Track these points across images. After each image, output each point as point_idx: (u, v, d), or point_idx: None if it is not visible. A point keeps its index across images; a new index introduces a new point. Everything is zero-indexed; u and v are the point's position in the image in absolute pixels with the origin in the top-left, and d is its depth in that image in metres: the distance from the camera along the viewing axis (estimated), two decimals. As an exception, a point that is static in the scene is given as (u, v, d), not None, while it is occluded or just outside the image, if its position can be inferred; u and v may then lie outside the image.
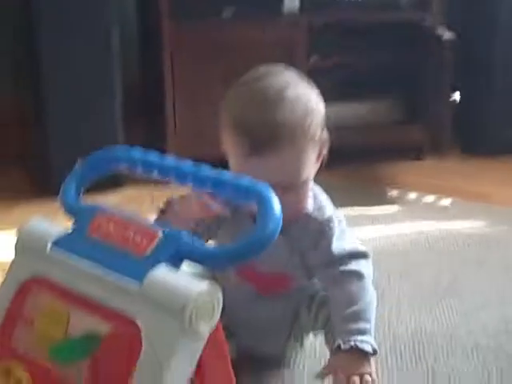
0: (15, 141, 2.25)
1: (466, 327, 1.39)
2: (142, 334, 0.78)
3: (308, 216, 1.08)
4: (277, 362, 1.24)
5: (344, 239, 1.09)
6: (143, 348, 0.77)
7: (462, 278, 1.60)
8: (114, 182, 2.07)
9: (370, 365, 1.00)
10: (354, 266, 1.07)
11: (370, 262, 1.10)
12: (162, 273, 0.79)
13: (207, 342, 0.79)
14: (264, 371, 1.22)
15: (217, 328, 0.80)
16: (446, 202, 2.10)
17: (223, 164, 1.01)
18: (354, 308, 1.04)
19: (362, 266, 1.08)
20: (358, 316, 1.04)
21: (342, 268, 1.07)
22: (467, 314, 1.44)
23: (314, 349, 1.27)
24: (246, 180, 0.84)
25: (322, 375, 1.05)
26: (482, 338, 1.36)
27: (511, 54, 2.36)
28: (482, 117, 2.45)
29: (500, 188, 2.20)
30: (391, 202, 2.10)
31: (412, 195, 2.15)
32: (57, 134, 2.03)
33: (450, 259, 1.70)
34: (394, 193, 2.17)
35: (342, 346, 1.01)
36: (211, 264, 0.82)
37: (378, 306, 1.30)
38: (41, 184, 2.07)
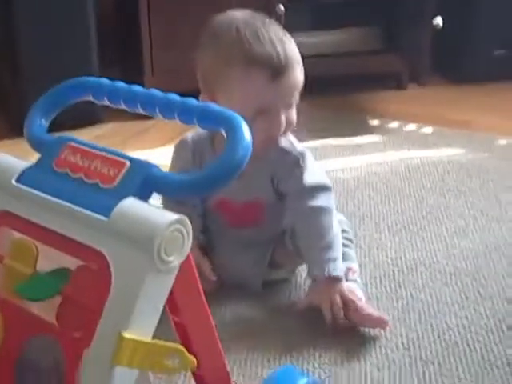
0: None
1: (445, 253, 1.40)
2: (111, 268, 0.76)
3: (282, 148, 1.21)
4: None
5: (314, 173, 1.21)
6: (112, 282, 0.75)
7: (442, 204, 1.59)
8: (91, 118, 2.04)
9: (342, 287, 1.15)
10: (322, 200, 1.19)
11: (332, 195, 1.22)
12: (129, 205, 0.77)
13: (178, 274, 0.78)
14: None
15: (187, 259, 0.78)
16: (427, 130, 2.08)
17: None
18: (326, 240, 1.17)
19: (329, 200, 1.20)
20: (329, 247, 1.17)
21: (312, 203, 1.18)
22: (446, 240, 1.44)
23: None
24: (214, 106, 0.82)
25: (301, 305, 1.20)
26: (461, 262, 1.36)
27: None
28: (464, 43, 2.41)
29: (481, 115, 2.18)
30: (372, 131, 2.08)
31: (393, 124, 2.13)
32: (30, 70, 1.98)
33: (431, 187, 1.69)
34: (375, 122, 2.15)
35: (319, 276, 1.15)
36: (181, 194, 0.80)
37: (357, 233, 1.32)
38: (17, 122, 2.01)
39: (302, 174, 1.19)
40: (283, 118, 1.15)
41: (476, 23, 2.37)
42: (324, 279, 1.15)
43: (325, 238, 1.17)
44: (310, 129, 1.97)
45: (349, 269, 1.22)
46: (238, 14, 1.18)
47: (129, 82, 0.90)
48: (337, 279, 1.15)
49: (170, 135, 2.02)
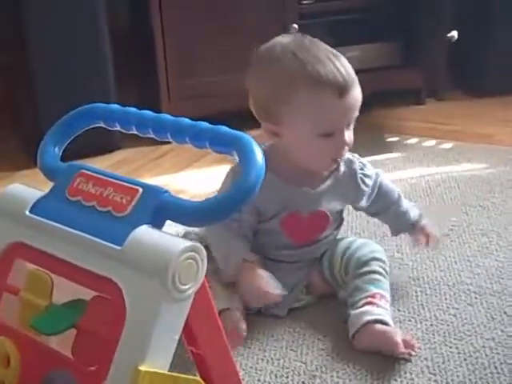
0: (8, 107, 2.21)
1: (469, 272, 1.36)
2: (125, 298, 0.74)
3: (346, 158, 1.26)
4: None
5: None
6: (127, 312, 0.74)
7: (465, 221, 1.56)
8: (109, 145, 2.05)
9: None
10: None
11: None
12: (142, 233, 0.76)
13: (193, 302, 0.76)
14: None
15: (202, 286, 0.77)
16: (446, 145, 2.05)
17: (223, 121, 0.97)
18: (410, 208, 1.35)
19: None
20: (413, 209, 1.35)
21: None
22: (470, 259, 1.41)
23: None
24: (225, 129, 0.80)
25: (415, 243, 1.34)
26: (486, 282, 1.33)
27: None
28: (481, 56, 2.39)
29: (501, 128, 2.15)
30: (391, 148, 2.05)
31: (412, 140, 2.10)
32: (46, 98, 1.98)
33: (452, 203, 1.66)
34: (394, 138, 2.12)
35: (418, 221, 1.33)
36: (195, 221, 0.79)
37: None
38: (35, 152, 2.02)
39: (377, 175, 1.30)
40: (347, 137, 1.16)
41: (493, 36, 2.34)
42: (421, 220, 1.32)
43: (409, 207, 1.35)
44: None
45: (382, 296, 1.19)
46: (285, 39, 1.19)
47: (145, 107, 0.90)
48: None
49: (188, 161, 2.01)
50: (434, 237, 1.33)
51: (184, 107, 2.07)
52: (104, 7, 1.99)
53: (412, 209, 1.35)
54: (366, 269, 1.22)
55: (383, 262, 1.25)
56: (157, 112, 0.89)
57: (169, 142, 0.88)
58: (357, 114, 1.18)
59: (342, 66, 1.15)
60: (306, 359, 1.13)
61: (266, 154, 1.18)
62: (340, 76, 1.13)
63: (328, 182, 1.24)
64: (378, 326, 1.13)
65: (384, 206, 1.33)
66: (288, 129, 1.16)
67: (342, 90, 1.14)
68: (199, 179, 1.90)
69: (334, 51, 1.18)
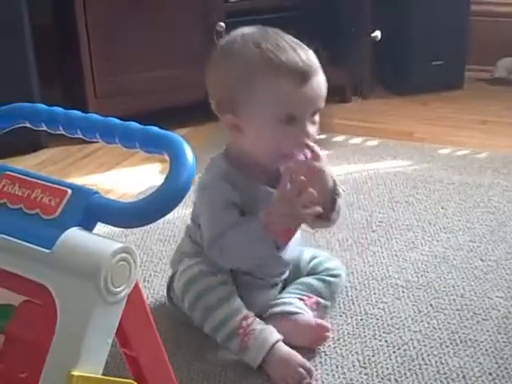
0: None
1: (397, 266, 1.40)
2: (56, 303, 0.73)
3: None
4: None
5: None
6: (58, 317, 0.72)
7: (391, 217, 1.60)
8: (35, 144, 2.00)
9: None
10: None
11: None
12: (72, 236, 0.74)
13: (126, 304, 0.75)
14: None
15: (135, 288, 0.76)
16: (372, 142, 2.09)
17: (151, 119, 0.96)
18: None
19: None
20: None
21: None
22: (397, 254, 1.44)
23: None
24: (156, 130, 0.79)
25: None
26: (412, 276, 1.36)
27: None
28: (404, 54, 2.45)
29: (423, 125, 2.21)
30: (319, 145, 2.07)
31: (339, 138, 2.13)
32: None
33: (379, 200, 1.69)
34: (321, 136, 2.14)
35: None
36: (124, 222, 0.77)
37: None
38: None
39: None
40: (310, 126, 1.11)
41: (413, 36, 2.41)
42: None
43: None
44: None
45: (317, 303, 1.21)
46: (247, 30, 1.16)
47: (72, 106, 0.88)
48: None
49: (117, 159, 1.98)
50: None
51: (111, 105, 2.04)
52: (26, 4, 1.94)
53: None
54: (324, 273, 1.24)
55: (333, 269, 1.26)
56: (83, 110, 0.87)
57: (96, 141, 0.86)
58: (321, 105, 1.13)
59: (304, 54, 1.12)
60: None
61: (228, 150, 1.17)
62: (302, 63, 1.10)
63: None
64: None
65: None
66: (248, 118, 1.12)
67: (302, 76, 1.10)
68: (128, 178, 1.88)
69: (297, 40, 1.15)
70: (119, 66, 2.10)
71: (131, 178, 1.87)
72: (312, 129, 1.12)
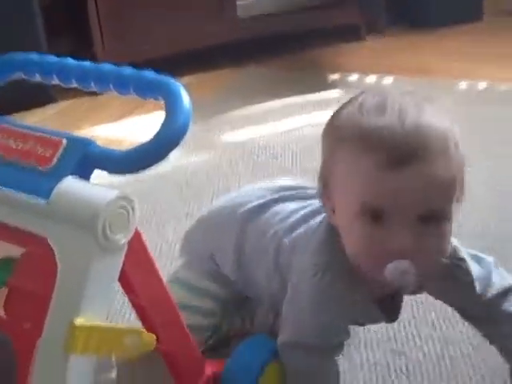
0: None
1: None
2: (56, 253, 0.72)
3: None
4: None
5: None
6: (58, 267, 0.72)
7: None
8: (44, 98, 2.00)
9: None
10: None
11: None
12: (68, 185, 0.73)
13: (128, 252, 0.75)
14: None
15: (136, 236, 0.75)
16: (387, 80, 2.05)
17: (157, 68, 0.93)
18: None
19: None
20: None
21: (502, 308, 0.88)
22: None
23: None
24: (149, 74, 0.77)
25: None
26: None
27: None
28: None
29: (440, 60, 2.16)
30: (334, 85, 2.05)
31: (354, 77, 2.10)
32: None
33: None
34: (335, 76, 2.11)
35: None
36: (122, 169, 0.76)
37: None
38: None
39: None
40: (408, 233, 0.75)
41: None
42: None
43: None
44: (272, 89, 1.93)
45: None
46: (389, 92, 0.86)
47: (78, 53, 0.86)
48: None
49: (124, 110, 1.97)
50: None
51: (119, 53, 2.03)
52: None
53: None
54: None
55: None
56: (93, 60, 0.85)
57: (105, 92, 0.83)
58: (438, 205, 0.76)
59: (414, 121, 0.75)
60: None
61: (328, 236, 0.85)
62: (401, 136, 0.74)
63: None
64: None
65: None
66: (332, 200, 0.83)
67: (394, 156, 0.74)
68: (140, 127, 1.87)
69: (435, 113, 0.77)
70: (126, 14, 2.07)
71: (143, 127, 1.86)
72: (419, 241, 0.75)
